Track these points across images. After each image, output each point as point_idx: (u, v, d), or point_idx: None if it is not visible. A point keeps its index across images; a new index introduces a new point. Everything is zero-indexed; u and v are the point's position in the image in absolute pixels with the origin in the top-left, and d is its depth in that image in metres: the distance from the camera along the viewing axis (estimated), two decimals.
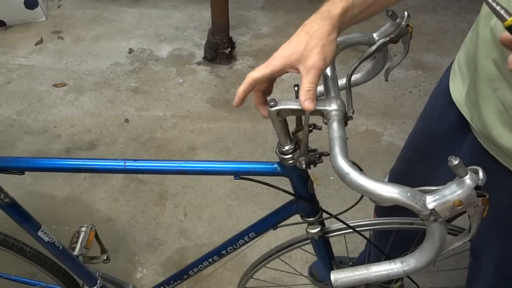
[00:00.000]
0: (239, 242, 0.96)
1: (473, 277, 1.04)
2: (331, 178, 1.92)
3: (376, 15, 0.70)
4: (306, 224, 0.90)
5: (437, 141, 0.98)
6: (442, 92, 0.93)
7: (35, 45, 2.68)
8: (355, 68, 0.73)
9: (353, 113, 0.67)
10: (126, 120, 2.23)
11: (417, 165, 1.07)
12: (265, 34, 2.77)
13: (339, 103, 0.65)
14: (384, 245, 1.14)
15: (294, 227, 0.91)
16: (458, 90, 0.88)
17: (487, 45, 0.72)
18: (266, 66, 0.63)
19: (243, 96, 0.65)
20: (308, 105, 0.60)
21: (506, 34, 0.48)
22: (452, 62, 0.93)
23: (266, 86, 0.68)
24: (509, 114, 0.72)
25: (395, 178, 1.15)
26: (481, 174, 0.52)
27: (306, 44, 0.61)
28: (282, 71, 0.64)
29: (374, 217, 1.25)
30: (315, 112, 0.64)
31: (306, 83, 0.61)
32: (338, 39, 0.75)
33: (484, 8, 0.77)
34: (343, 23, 0.64)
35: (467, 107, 0.84)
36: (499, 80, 0.71)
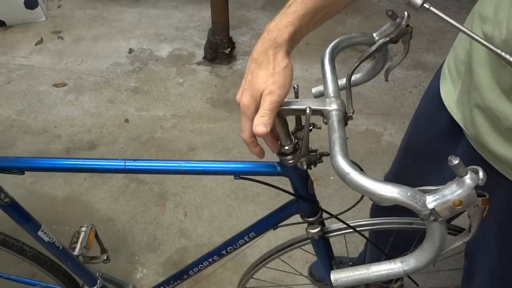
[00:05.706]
0: (239, 242, 0.96)
1: (468, 280, 1.04)
2: (331, 178, 1.92)
3: (376, 15, 0.70)
4: (306, 224, 0.90)
5: (429, 145, 0.97)
6: (433, 95, 0.91)
7: (35, 45, 2.68)
8: (355, 68, 0.73)
9: (353, 113, 0.67)
10: (126, 120, 2.23)
11: (409, 169, 1.06)
12: None
13: (339, 103, 0.65)
14: (383, 246, 1.14)
15: (294, 227, 0.91)
16: (449, 94, 0.86)
17: (482, 52, 0.71)
18: (244, 117, 0.65)
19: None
20: (259, 129, 0.61)
21: None
22: (441, 65, 0.92)
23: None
24: (503, 124, 0.70)
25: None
26: (481, 174, 0.52)
27: (260, 78, 0.63)
28: (257, 106, 0.64)
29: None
30: (315, 112, 0.65)
31: (261, 110, 0.62)
32: (338, 39, 0.75)
33: (476, 12, 0.76)
34: (294, 44, 0.66)
35: (459, 112, 0.82)
36: (493, 88, 0.70)
